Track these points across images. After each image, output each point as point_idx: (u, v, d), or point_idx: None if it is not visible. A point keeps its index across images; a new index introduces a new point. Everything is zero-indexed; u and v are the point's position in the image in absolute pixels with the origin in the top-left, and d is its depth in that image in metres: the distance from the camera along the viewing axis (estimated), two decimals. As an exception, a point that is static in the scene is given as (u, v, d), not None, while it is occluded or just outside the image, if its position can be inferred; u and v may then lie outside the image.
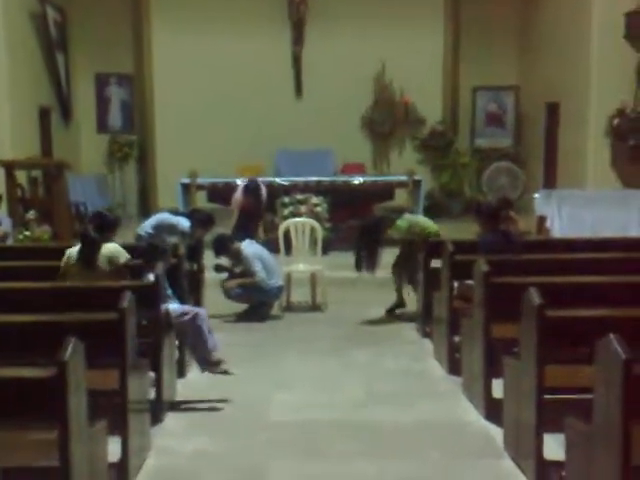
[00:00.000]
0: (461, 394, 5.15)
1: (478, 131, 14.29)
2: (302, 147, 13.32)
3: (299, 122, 13.68)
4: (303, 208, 9.93)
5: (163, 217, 7.56)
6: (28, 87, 11.48)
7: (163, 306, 4.90)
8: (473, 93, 14.18)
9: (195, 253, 6.92)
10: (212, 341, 5.09)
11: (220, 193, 10.43)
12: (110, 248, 5.06)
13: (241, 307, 7.53)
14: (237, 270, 7.49)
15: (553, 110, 12.61)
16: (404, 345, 6.47)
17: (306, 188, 10.29)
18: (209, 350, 5.07)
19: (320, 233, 8.07)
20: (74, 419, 2.94)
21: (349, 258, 7.73)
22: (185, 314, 5.04)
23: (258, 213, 8.92)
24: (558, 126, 12.41)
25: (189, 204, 10.39)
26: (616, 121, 10.70)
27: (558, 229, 9.05)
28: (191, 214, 7.50)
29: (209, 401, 5.04)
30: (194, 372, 5.72)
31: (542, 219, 9.26)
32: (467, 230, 8.38)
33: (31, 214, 8.65)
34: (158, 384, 4.68)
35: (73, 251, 5.13)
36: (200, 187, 10.61)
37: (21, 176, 9.31)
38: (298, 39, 13.93)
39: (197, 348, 5.11)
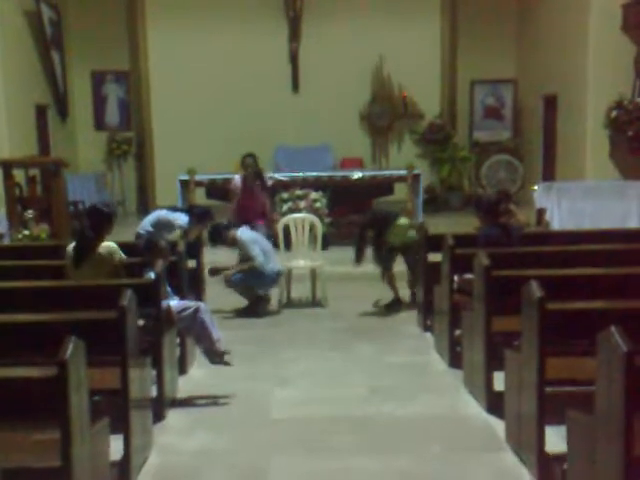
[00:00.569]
0: (462, 387, 5.16)
1: (476, 124, 14.28)
2: (300, 143, 13.32)
3: (297, 118, 13.68)
4: (302, 204, 9.92)
5: (161, 214, 7.55)
6: (24, 85, 11.46)
7: (164, 303, 4.89)
8: (471, 86, 14.17)
9: (194, 250, 6.92)
10: (216, 333, 5.09)
11: (219, 189, 10.42)
12: (106, 247, 5.04)
13: (241, 303, 7.52)
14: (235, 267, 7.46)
15: (551, 102, 12.60)
16: (405, 339, 6.48)
17: (305, 183, 10.28)
18: (214, 341, 5.06)
19: (320, 228, 8.07)
20: (76, 418, 2.94)
21: (349, 253, 7.73)
22: (186, 309, 5.04)
23: (259, 199, 8.69)
24: (556, 118, 12.41)
25: (188, 201, 10.38)
26: (614, 112, 10.69)
27: (557, 221, 9.05)
28: (189, 210, 7.50)
29: (211, 397, 5.05)
30: (195, 369, 5.73)
31: (542, 211, 9.27)
32: (467, 224, 8.36)
33: (29, 213, 8.63)
34: (159, 381, 4.67)
35: (69, 248, 5.12)
36: (199, 184, 10.61)
37: (19, 175, 9.29)
38: (295, 35, 13.90)
39: (202, 340, 5.11)
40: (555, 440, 3.80)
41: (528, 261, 5.31)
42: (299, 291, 8.00)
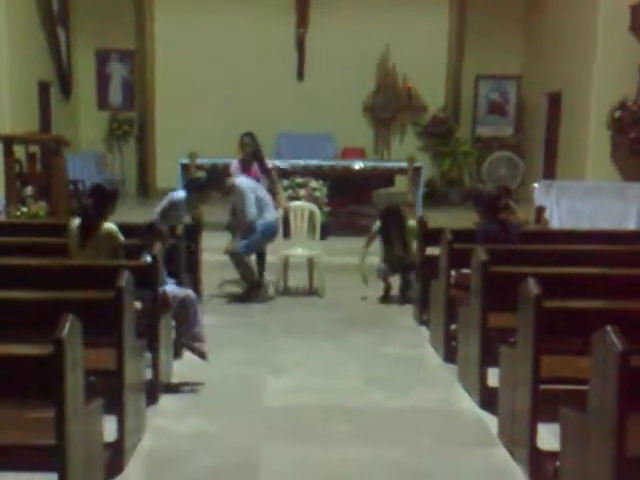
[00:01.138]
0: (456, 382, 5.17)
1: (480, 119, 14.27)
2: (303, 130, 13.29)
3: (300, 105, 13.65)
4: (302, 192, 9.90)
5: (164, 199, 7.51)
6: (28, 61, 11.40)
7: (161, 288, 4.89)
8: (476, 81, 14.14)
9: (193, 233, 6.90)
10: (198, 327, 5.04)
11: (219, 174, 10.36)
12: (107, 228, 5.05)
13: (236, 289, 7.52)
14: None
15: (555, 100, 12.58)
16: (400, 332, 6.48)
17: (306, 172, 10.25)
18: (194, 334, 5.02)
19: (319, 218, 8.05)
20: (71, 398, 2.93)
21: (347, 243, 7.76)
22: (176, 296, 5.03)
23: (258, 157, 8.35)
24: (560, 117, 12.40)
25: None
26: (618, 113, 10.69)
27: (556, 220, 9.05)
28: (187, 184, 7.35)
29: (204, 382, 5.05)
30: (190, 353, 5.73)
31: (541, 209, 9.26)
32: (466, 219, 8.36)
33: (28, 190, 8.61)
34: (154, 365, 4.67)
35: (74, 224, 5.12)
36: (199, 167, 10.56)
37: (19, 151, 9.26)
38: (302, 21, 13.85)
39: (183, 328, 5.09)
40: (547, 437, 3.82)
41: (526, 258, 5.30)
42: (296, 280, 8.00)
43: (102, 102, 14.22)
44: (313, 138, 13.17)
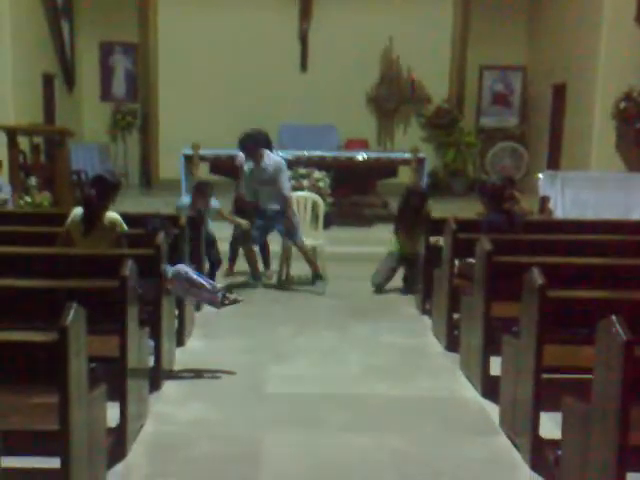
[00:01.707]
0: (458, 370, 5.17)
1: (484, 110, 14.23)
2: (306, 121, 13.26)
3: (304, 96, 13.61)
4: (305, 182, 9.88)
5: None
6: (32, 53, 11.39)
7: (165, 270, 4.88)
8: (480, 72, 14.10)
9: (196, 224, 6.88)
10: (207, 281, 5.01)
11: (222, 165, 10.38)
12: (111, 217, 5.06)
13: (235, 279, 7.53)
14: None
15: (560, 91, 12.54)
16: (403, 321, 6.49)
17: (309, 162, 10.23)
18: (209, 289, 4.97)
19: (322, 208, 8.04)
20: (74, 384, 2.94)
21: (350, 233, 7.75)
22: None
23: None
24: (564, 107, 12.36)
25: (191, 175, 10.35)
26: (622, 104, 10.64)
27: (561, 210, 9.04)
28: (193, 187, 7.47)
29: (207, 369, 5.06)
30: (193, 341, 5.75)
31: (545, 200, 9.24)
32: (469, 209, 8.36)
33: (32, 180, 8.62)
34: (157, 352, 4.69)
35: (77, 213, 5.13)
36: (202, 158, 10.56)
37: (23, 142, 9.27)
38: (305, 13, 13.80)
39: (197, 294, 5.03)
40: (550, 426, 3.82)
41: (530, 248, 5.30)
42: (299, 269, 7.99)
43: (105, 94, 14.21)
44: (317, 129, 13.14)
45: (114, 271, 3.84)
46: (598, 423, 3.03)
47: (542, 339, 3.69)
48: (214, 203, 7.33)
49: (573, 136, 11.92)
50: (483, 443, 4.05)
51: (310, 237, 7.85)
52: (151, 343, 4.61)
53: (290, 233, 7.32)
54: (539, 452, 3.70)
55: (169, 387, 4.77)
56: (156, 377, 4.63)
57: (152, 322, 4.61)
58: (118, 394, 3.76)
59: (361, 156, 10.77)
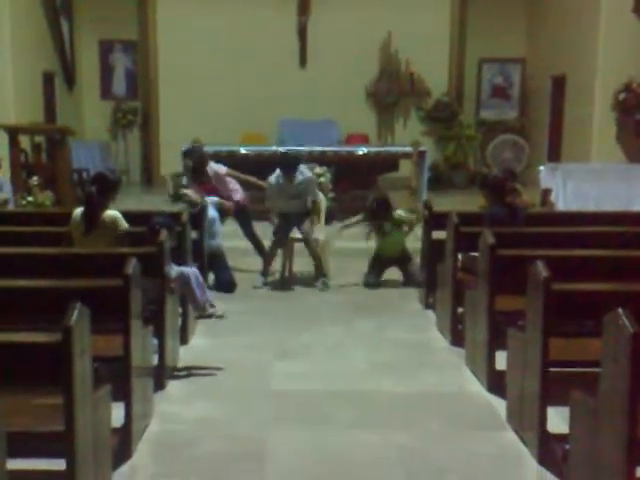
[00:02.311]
0: (464, 365, 5.14)
1: (483, 103, 14.18)
2: (306, 117, 13.21)
3: (303, 91, 13.56)
4: (307, 178, 9.83)
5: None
6: (32, 52, 11.35)
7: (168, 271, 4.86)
8: (479, 65, 14.04)
9: (198, 220, 6.84)
10: (201, 295, 5.09)
11: (223, 162, 10.32)
12: (111, 215, 5.03)
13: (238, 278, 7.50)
14: None
15: (559, 83, 12.48)
16: (407, 316, 6.46)
17: (310, 158, 10.19)
18: (198, 301, 5.09)
19: (324, 203, 8.00)
20: (79, 384, 2.92)
21: (352, 228, 7.72)
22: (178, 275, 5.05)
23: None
24: (564, 99, 12.30)
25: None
26: (622, 95, 10.59)
27: (562, 202, 9.00)
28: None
29: (211, 368, 5.04)
30: (196, 339, 5.72)
31: (547, 192, 9.21)
32: (471, 202, 8.32)
33: (34, 180, 8.58)
34: (161, 351, 4.67)
35: (77, 213, 5.10)
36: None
37: (24, 141, 9.23)
38: (304, 8, 13.73)
39: (189, 299, 5.18)
40: (557, 420, 3.78)
41: (533, 241, 5.28)
42: (301, 265, 7.96)
43: (106, 92, 14.16)
44: (316, 124, 13.09)
45: (117, 270, 3.80)
46: (606, 417, 2.99)
47: (548, 332, 3.66)
48: (211, 204, 7.25)
49: (573, 128, 11.87)
50: (490, 438, 4.01)
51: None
52: (155, 341, 4.58)
53: (306, 231, 7.47)
54: (547, 447, 3.67)
55: (173, 386, 4.74)
56: (160, 376, 4.61)
57: (156, 320, 4.58)
58: (123, 394, 3.73)
59: (362, 151, 10.73)
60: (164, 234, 4.87)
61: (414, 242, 7.57)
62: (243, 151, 10.42)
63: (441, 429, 4.12)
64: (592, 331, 3.41)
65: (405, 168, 11.06)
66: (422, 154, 10.67)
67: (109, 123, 14.08)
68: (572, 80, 11.97)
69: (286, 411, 4.36)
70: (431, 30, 13.60)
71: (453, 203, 9.73)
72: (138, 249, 4.75)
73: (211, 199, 7.33)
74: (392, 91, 14.01)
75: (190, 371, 5.02)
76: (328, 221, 8.83)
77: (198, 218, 6.77)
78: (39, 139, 9.73)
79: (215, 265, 7.13)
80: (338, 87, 13.60)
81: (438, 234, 6.45)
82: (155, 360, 4.58)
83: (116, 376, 3.74)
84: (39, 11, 11.72)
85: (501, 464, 3.74)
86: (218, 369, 5.03)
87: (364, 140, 13.30)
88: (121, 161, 14.03)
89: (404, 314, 6.52)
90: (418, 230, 7.44)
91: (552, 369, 3.69)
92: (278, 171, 7.49)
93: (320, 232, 7.84)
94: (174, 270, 5.03)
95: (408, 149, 10.69)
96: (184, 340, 5.50)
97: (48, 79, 12.10)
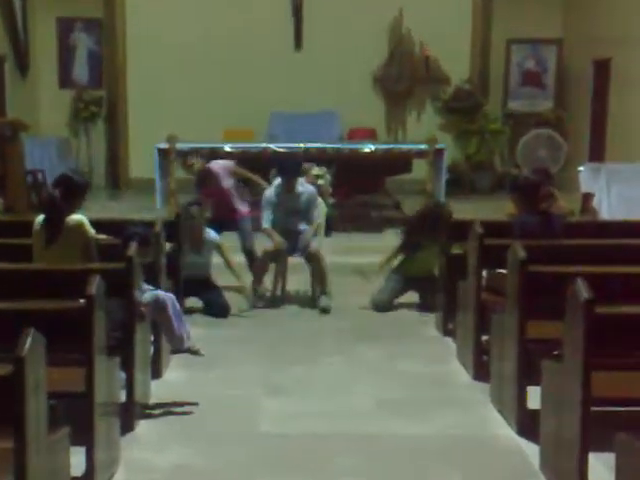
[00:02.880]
0: (489, 404, 5.15)
1: (512, 92, 14.24)
2: (301, 109, 13.27)
3: (298, 79, 13.63)
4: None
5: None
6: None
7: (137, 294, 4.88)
8: (507, 47, 14.11)
9: (174, 229, 6.85)
10: (179, 328, 5.12)
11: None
12: (75, 220, 5.05)
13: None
14: None
15: (603, 68, 12.55)
16: (421, 344, 6.48)
17: (306, 157, 10.22)
18: (175, 335, 5.12)
19: (323, 210, 8.03)
20: (32, 425, 2.93)
21: (356, 241, 7.74)
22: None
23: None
24: (608, 87, 12.36)
25: (167, 173, 10.34)
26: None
27: (606, 209, 9.04)
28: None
29: (188, 406, 5.04)
30: (171, 371, 5.73)
31: (588, 197, 9.25)
32: (497, 209, 8.35)
33: (-21, 183, 8.62)
34: (129, 386, 4.67)
35: (38, 221, 5.13)
36: (180, 153, 10.54)
37: (-33, 138, 9.28)
38: (299, -20, 13.83)
39: (165, 332, 5.22)
40: (601, 470, 3.80)
41: (572, 256, 5.30)
42: (296, 283, 7.98)
43: (65, 79, 14.22)
44: (314, 117, 13.16)
45: (78, 289, 3.82)
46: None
47: (589, 364, 3.67)
48: (212, 235, 7.34)
49: (619, 121, 11.93)
50: (521, 490, 4.03)
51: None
52: (122, 375, 4.58)
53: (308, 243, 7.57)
54: (588, 501, 3.67)
55: (144, 428, 4.75)
56: (128, 416, 4.61)
57: (123, 350, 4.59)
58: (84, 437, 3.73)
59: (368, 148, 10.77)
60: (133, 247, 4.88)
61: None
62: (227, 149, 10.45)
63: (463, 480, 4.13)
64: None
65: (419, 169, 11.10)
66: (439, 152, 10.71)
67: (69, 116, 14.12)
68: (618, 64, 12.04)
69: (276, 458, 4.36)
70: (450, 6, 13.69)
71: (476, 210, 9.77)
72: (104, 265, 4.77)
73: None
74: (403, 78, 14.09)
75: (164, 410, 5.02)
76: (327, 233, 8.86)
77: (174, 227, 6.79)
78: (-15, 135, 9.77)
79: (204, 286, 7.18)
80: (339, 73, 13.67)
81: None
82: (122, 397, 4.58)
83: (76, 416, 3.75)
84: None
85: (534, 521, 3.75)
86: (197, 408, 5.02)
87: (370, 135, 13.35)
88: (83, 160, 14.07)
89: (418, 342, 6.53)
90: None
91: (594, 408, 3.69)
92: (276, 182, 7.60)
93: (319, 245, 7.86)
94: (148, 294, 5.04)
95: (423, 146, 10.74)
96: (156, 373, 5.50)
97: (-4, 64, 12.17)
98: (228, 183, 7.97)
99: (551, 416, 4.07)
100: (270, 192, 7.63)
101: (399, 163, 11.05)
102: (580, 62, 13.42)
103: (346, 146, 11.21)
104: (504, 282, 5.09)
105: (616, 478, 3.40)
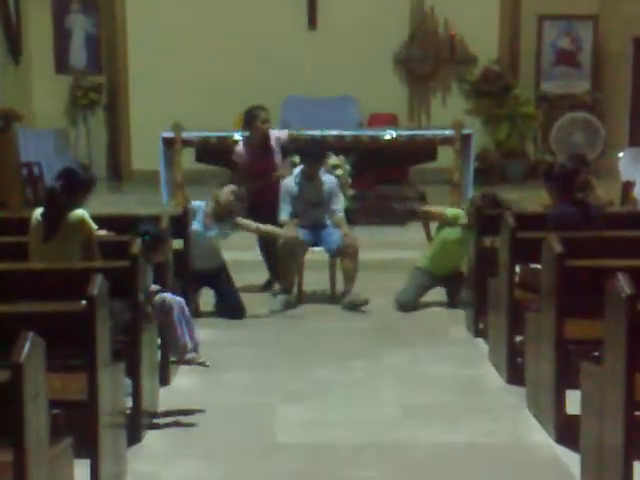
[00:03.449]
0: (524, 409, 5.16)
1: (545, 73, 14.17)
2: (317, 93, 13.27)
3: (313, 61, 13.62)
4: (319, 170, 9.88)
5: None
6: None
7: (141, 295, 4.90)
8: (539, 24, 14.04)
9: (181, 227, 6.87)
10: (182, 336, 5.20)
11: (212, 151, 10.40)
12: (76, 215, 5.07)
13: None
14: None
15: (643, 46, 12.49)
16: (450, 345, 6.49)
17: (323, 145, 10.23)
18: (178, 343, 5.21)
19: (341, 202, 8.03)
20: (32, 436, 2.95)
21: (377, 235, 7.74)
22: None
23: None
24: (650, 67, 12.30)
25: (172, 165, 10.36)
26: None
27: (648, 199, 8.99)
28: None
29: (199, 414, 5.06)
30: (181, 378, 5.75)
31: (628, 185, 9.20)
32: (531, 200, 8.34)
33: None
34: (136, 393, 4.70)
35: (36, 216, 5.16)
36: (187, 143, 10.57)
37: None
38: (313, -46, 13.83)
39: (167, 337, 5.29)
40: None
41: (611, 249, 5.30)
42: (314, 282, 7.99)
43: (61, 64, 14.25)
44: (331, 102, 13.15)
45: (79, 290, 3.84)
46: None
47: (632, 366, 3.66)
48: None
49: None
50: (559, 503, 4.02)
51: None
52: (128, 382, 4.61)
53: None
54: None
55: (152, 438, 4.77)
56: (135, 426, 4.63)
57: (128, 355, 4.61)
58: (88, 449, 3.76)
59: (389, 135, 10.74)
60: (137, 244, 4.90)
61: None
62: (238, 137, 10.45)
63: (496, 492, 4.14)
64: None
65: (445, 157, 11.07)
66: (466, 139, 10.67)
67: (66, 104, 14.16)
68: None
69: (295, 470, 4.38)
70: (477, -21, 13.65)
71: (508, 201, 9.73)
72: (107, 264, 4.80)
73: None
74: (427, 59, 14.05)
75: (173, 419, 5.05)
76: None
77: (180, 224, 6.81)
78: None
79: (218, 285, 7.21)
80: (358, 54, 13.64)
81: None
82: (128, 405, 4.61)
83: (79, 426, 3.77)
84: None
85: (575, 536, 3.75)
86: (209, 416, 5.04)
87: (392, 121, 13.32)
88: (82, 152, 14.10)
89: (446, 343, 6.55)
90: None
91: (638, 413, 3.68)
92: (296, 171, 7.67)
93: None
94: (157, 296, 5.09)
95: (449, 132, 10.70)
96: (165, 380, 5.53)
97: (-13, 49, 12.23)
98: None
99: (592, 422, 4.07)
100: (290, 181, 7.62)
101: (423, 151, 11.01)
102: (618, 39, 13.34)
103: (365, 133, 11.17)
104: (539, 278, 5.09)
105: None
